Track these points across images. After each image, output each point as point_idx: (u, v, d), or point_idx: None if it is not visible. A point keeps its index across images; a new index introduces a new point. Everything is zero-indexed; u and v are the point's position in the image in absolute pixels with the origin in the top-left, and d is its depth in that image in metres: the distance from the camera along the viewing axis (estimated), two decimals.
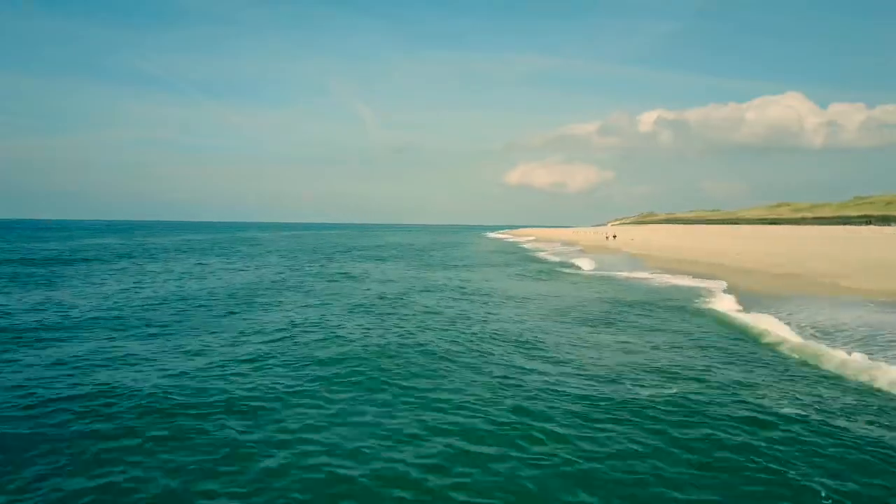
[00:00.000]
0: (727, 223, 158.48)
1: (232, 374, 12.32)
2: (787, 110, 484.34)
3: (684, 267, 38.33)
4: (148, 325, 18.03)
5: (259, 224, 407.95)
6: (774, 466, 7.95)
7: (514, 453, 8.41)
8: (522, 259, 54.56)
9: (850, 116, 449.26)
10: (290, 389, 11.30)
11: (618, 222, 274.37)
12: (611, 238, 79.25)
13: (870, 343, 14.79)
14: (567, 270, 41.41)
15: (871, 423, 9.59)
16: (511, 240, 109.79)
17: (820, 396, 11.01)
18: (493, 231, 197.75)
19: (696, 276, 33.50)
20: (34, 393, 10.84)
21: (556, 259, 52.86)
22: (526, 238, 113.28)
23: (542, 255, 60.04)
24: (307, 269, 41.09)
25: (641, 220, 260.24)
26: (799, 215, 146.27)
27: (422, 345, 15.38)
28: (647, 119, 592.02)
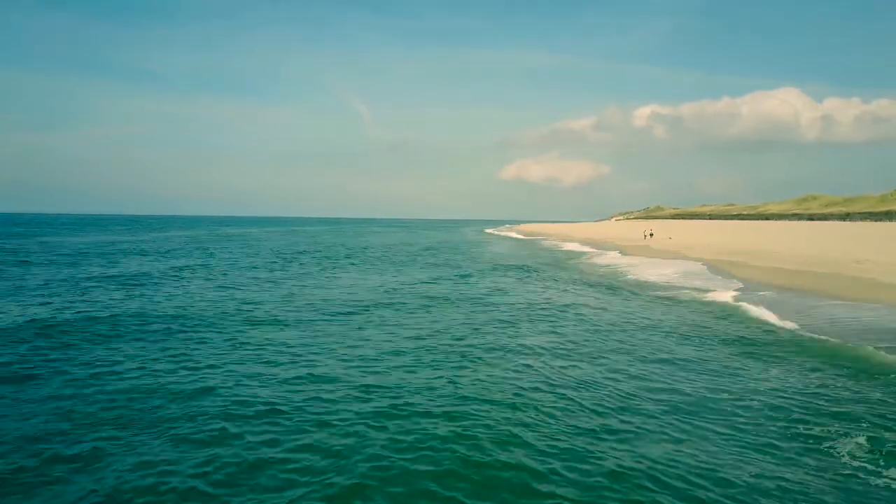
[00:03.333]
0: (753, 218, 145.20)
1: None
2: (783, 105, 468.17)
3: (862, 292, 23.92)
4: None
5: (253, 219, 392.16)
6: None
7: None
8: (604, 278, 32.52)
9: (846, 111, 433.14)
10: None
11: (622, 217, 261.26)
12: (648, 236, 65.95)
13: None
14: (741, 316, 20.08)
15: None
16: (521, 238, 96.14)
17: None
18: (491, 227, 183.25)
19: None
20: None
21: (663, 279, 30.89)
22: (538, 235, 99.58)
23: (609, 262, 42.74)
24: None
25: (649, 215, 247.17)
26: (834, 210, 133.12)
27: None
28: (642, 114, 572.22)
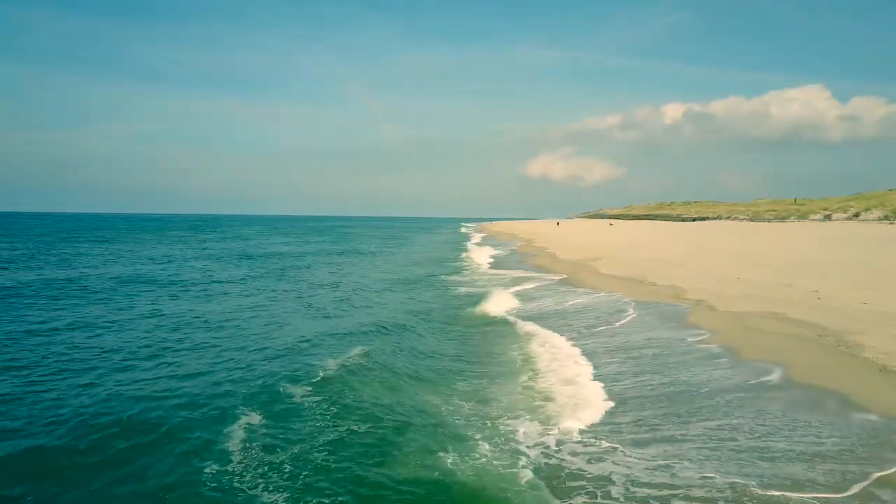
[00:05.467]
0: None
1: None
2: (807, 104, 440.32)
3: None
4: None
5: (265, 217, 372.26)
6: None
7: None
8: None
9: (871, 110, 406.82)
10: None
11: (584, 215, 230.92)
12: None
13: None
14: None
15: None
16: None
17: None
18: (479, 223, 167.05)
19: None
20: None
21: None
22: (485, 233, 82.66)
23: None
24: None
25: (650, 214, 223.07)
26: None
27: None
28: (666, 112, 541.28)
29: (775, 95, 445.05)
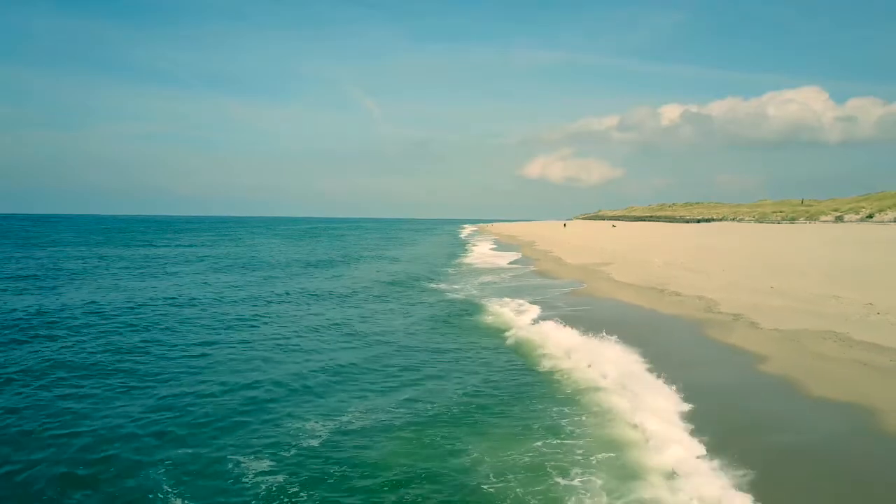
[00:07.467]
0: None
1: None
2: (804, 105, 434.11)
3: None
4: None
5: (265, 219, 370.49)
6: None
7: None
8: None
9: (869, 111, 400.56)
10: None
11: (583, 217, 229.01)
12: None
13: None
14: None
15: None
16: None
17: None
18: (468, 225, 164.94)
19: None
20: None
21: None
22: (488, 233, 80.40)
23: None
24: None
25: (648, 215, 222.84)
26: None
27: None
28: (664, 113, 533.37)
29: (773, 96, 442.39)
